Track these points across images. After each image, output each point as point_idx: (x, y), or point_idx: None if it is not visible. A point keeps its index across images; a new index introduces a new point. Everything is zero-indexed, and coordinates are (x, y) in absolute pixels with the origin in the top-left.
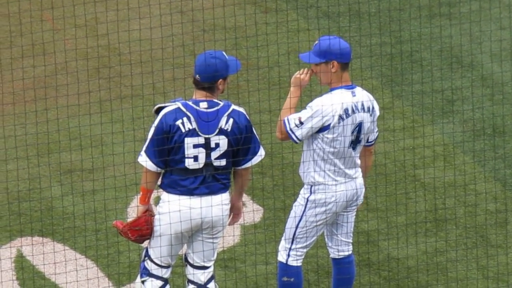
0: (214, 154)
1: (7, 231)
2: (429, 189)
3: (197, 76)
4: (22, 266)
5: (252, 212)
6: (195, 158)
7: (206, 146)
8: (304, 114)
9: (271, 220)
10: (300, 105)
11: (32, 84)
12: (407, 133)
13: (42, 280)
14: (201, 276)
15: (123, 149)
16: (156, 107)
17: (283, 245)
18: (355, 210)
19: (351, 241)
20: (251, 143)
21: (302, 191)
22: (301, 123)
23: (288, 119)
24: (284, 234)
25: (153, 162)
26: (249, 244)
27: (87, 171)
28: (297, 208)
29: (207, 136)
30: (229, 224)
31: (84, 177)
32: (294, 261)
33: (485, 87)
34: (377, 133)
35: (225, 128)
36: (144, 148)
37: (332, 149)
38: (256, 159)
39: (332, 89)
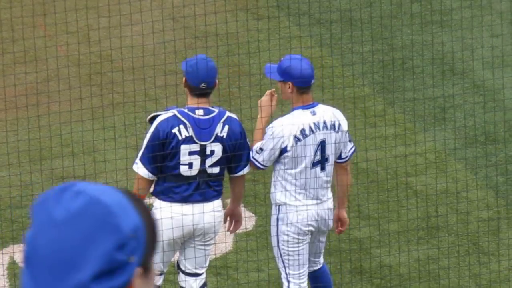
0: (208, 161)
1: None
2: (421, 197)
3: (203, 84)
4: (14, 273)
5: (244, 219)
6: (190, 165)
7: (202, 153)
8: (264, 140)
9: (264, 227)
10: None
11: (24, 90)
12: (399, 140)
13: None
14: (193, 283)
15: (115, 155)
16: (150, 116)
17: (280, 270)
18: (326, 234)
19: (321, 258)
20: (244, 150)
21: (272, 211)
22: (261, 149)
23: (252, 149)
24: (276, 264)
25: (147, 170)
26: (241, 252)
27: (79, 178)
28: (271, 229)
29: (203, 143)
30: (231, 232)
31: None
32: (296, 286)
33: (477, 94)
34: (353, 148)
35: (221, 135)
36: (139, 156)
37: (293, 170)
38: (249, 166)
39: (292, 109)
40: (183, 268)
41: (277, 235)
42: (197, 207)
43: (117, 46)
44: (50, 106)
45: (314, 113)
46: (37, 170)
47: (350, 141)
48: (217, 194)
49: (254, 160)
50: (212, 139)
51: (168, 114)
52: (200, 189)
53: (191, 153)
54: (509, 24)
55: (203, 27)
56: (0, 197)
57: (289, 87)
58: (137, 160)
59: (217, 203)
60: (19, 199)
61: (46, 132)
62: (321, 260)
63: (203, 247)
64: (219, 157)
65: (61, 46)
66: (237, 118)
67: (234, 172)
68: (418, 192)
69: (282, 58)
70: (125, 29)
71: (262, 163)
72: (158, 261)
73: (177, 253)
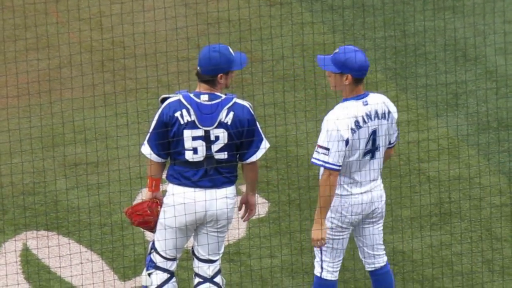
0: (214, 147)
1: (13, 224)
2: (434, 183)
3: (199, 68)
4: (27, 259)
5: (257, 205)
6: (195, 151)
7: (206, 139)
8: (322, 140)
9: (276, 213)
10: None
11: (36, 77)
12: (412, 126)
13: (47, 274)
14: (207, 270)
15: (127, 142)
16: (161, 97)
17: (315, 257)
18: (380, 223)
19: (382, 253)
20: (254, 137)
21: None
22: (326, 148)
23: (315, 158)
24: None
25: (154, 152)
26: (254, 238)
27: (92, 165)
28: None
29: (206, 128)
30: (244, 220)
31: (89, 171)
32: (329, 274)
33: (490, 80)
34: (398, 133)
35: (225, 121)
36: (146, 138)
37: (345, 160)
38: (260, 153)
39: (343, 100)
40: (197, 254)
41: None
42: (209, 193)
43: (129, 33)
44: (62, 92)
45: (366, 103)
46: (50, 157)
47: (397, 125)
48: (229, 181)
49: (323, 163)
50: (215, 125)
51: (174, 98)
52: (208, 175)
53: (194, 138)
54: None
55: (216, 13)
56: (13, 183)
57: (346, 78)
58: (145, 142)
59: (230, 190)
60: (32, 186)
61: (58, 118)
62: (384, 257)
63: (215, 234)
64: (224, 143)
65: (74, 32)
66: (248, 105)
67: (244, 159)
68: (431, 178)
69: (336, 50)
70: (138, 16)
71: (333, 162)
72: (171, 247)
73: (191, 240)
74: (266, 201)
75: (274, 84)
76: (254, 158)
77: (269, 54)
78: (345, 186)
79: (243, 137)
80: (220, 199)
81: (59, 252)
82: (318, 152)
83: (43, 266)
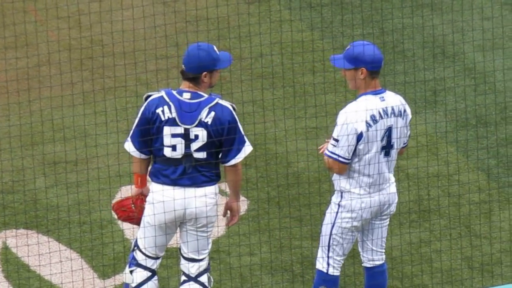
0: (193, 146)
1: None
2: (413, 180)
3: (183, 66)
4: (7, 258)
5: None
6: (174, 148)
7: (185, 136)
8: (335, 132)
9: (256, 211)
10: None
11: (15, 75)
12: None
13: (27, 272)
14: (191, 268)
15: (106, 140)
16: (146, 95)
17: (320, 253)
18: (387, 220)
19: (382, 250)
20: (235, 139)
21: (333, 198)
22: (336, 140)
23: (327, 149)
24: (320, 242)
25: (135, 147)
26: (233, 236)
27: (71, 163)
28: (329, 215)
29: (186, 126)
30: (226, 225)
31: (68, 169)
32: (335, 270)
33: (468, 77)
34: (410, 134)
35: (205, 121)
36: (129, 135)
37: (361, 158)
38: (241, 155)
39: (358, 96)
40: (182, 252)
41: (334, 222)
42: (188, 192)
43: (108, 31)
44: (41, 91)
45: (383, 99)
46: (29, 155)
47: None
48: (209, 180)
49: (331, 154)
50: (195, 124)
51: (157, 95)
52: (187, 173)
53: (174, 135)
54: (499, 7)
55: (194, 11)
56: None
57: (362, 72)
58: (128, 138)
59: (209, 189)
60: (11, 184)
61: (37, 117)
62: (383, 255)
63: (195, 233)
64: (204, 142)
65: (52, 31)
66: (230, 107)
67: (225, 161)
68: (409, 175)
69: (346, 48)
70: (116, 14)
71: (342, 155)
72: (151, 245)
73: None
74: (245, 199)
75: (253, 82)
76: (234, 161)
77: (248, 52)
78: (364, 186)
79: (223, 138)
80: (199, 198)
81: (39, 250)
82: (331, 144)
83: (23, 264)
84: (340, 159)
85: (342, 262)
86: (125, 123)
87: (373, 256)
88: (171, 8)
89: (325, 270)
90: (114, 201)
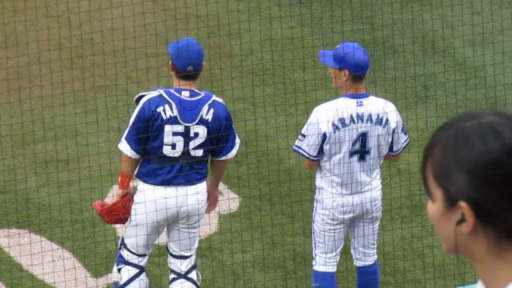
0: (192, 144)
1: None
2: (404, 175)
3: (190, 67)
4: (0, 257)
5: (228, 200)
6: (173, 146)
7: (185, 134)
8: (304, 129)
9: (247, 208)
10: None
11: (5, 75)
12: None
13: (19, 272)
14: (180, 266)
15: (98, 139)
16: (137, 96)
17: (313, 251)
18: (372, 223)
19: (372, 252)
20: (229, 135)
21: (315, 195)
22: (303, 135)
23: (294, 145)
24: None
25: (132, 148)
26: (225, 233)
27: (62, 162)
28: (313, 212)
29: (187, 124)
30: (206, 212)
31: (59, 168)
32: (321, 267)
33: (459, 72)
34: (407, 141)
35: (206, 118)
36: (125, 135)
37: (330, 158)
38: (233, 152)
39: (340, 96)
40: (170, 250)
41: (314, 219)
42: (180, 190)
43: (98, 29)
44: (32, 90)
45: (360, 104)
46: (20, 155)
47: (405, 133)
48: (201, 177)
49: (297, 149)
50: (196, 121)
51: (154, 93)
52: (183, 171)
53: (174, 134)
54: (489, 1)
55: (184, 9)
56: None
57: (345, 74)
58: (123, 139)
59: (200, 186)
60: (2, 184)
61: (28, 116)
62: (374, 256)
63: (187, 230)
64: (203, 139)
65: (42, 30)
66: (223, 103)
67: (219, 156)
68: (401, 170)
69: (337, 46)
70: (106, 12)
71: (307, 151)
72: (142, 244)
73: (165, 236)
74: (237, 196)
75: (243, 79)
76: (227, 156)
77: (238, 49)
78: (336, 186)
79: (220, 134)
80: (192, 196)
81: (31, 250)
82: (298, 139)
83: (15, 264)
84: (306, 154)
85: (332, 260)
86: (116, 121)
87: (363, 256)
88: (161, 6)
89: (313, 266)
90: (101, 208)
